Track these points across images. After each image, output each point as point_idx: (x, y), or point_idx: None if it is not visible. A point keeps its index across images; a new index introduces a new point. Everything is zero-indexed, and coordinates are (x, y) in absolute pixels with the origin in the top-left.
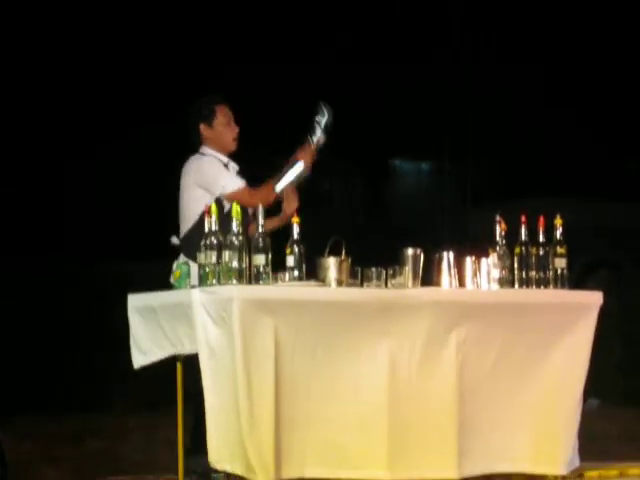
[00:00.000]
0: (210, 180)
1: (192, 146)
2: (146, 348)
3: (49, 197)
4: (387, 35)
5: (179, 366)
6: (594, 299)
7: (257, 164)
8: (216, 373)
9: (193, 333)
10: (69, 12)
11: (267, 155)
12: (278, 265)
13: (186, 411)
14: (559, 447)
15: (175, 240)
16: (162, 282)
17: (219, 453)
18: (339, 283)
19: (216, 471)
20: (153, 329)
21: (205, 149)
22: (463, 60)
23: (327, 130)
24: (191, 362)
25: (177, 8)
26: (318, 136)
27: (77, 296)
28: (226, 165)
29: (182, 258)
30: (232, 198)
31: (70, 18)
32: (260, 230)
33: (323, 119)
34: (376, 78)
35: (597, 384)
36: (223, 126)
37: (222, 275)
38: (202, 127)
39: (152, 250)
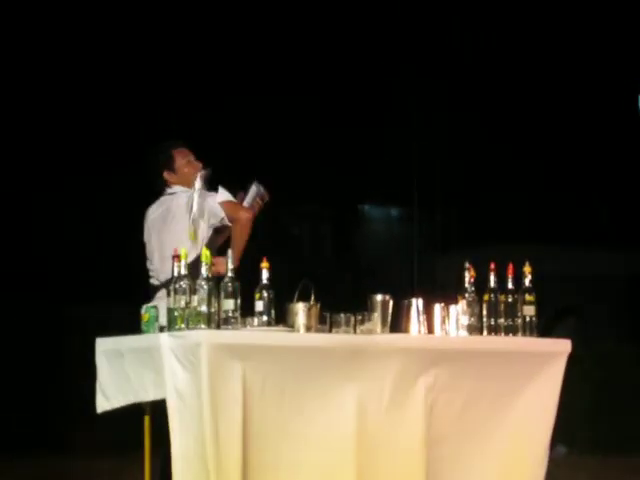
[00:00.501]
0: (207, 207)
1: (158, 193)
2: (110, 394)
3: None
4: (356, 81)
5: (147, 418)
6: (562, 347)
7: None
8: (183, 418)
9: (159, 379)
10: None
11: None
12: (247, 309)
13: (155, 455)
14: None
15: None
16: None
17: None
18: (308, 328)
19: None
20: (119, 375)
21: (175, 188)
22: (433, 108)
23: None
24: (161, 406)
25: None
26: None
27: (47, 337)
28: None
29: (154, 301)
30: (229, 207)
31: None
32: (229, 274)
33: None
34: (346, 124)
35: (565, 431)
36: (185, 167)
37: (190, 319)
38: (166, 174)
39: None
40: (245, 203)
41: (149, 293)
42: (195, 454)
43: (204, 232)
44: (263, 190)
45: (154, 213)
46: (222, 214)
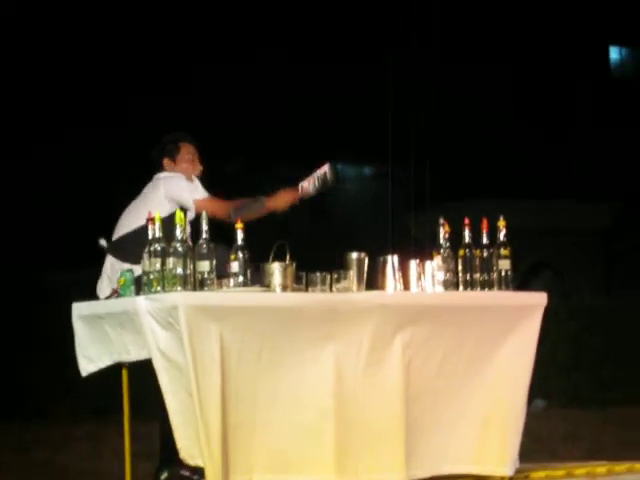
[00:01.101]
0: (180, 192)
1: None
2: (93, 355)
3: None
4: (332, 34)
5: (124, 373)
6: (538, 300)
7: None
8: (171, 375)
9: (140, 340)
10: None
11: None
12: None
13: (134, 419)
14: (504, 448)
15: (103, 242)
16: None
17: (188, 450)
18: (284, 288)
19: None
20: (99, 337)
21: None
22: (406, 60)
23: (320, 190)
24: (137, 371)
25: None
26: (310, 190)
27: (20, 303)
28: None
29: (126, 265)
30: (200, 205)
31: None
32: (204, 236)
33: (326, 180)
34: (318, 79)
35: (543, 385)
36: (186, 163)
37: (166, 282)
38: (165, 162)
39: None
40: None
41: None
42: (187, 408)
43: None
44: (330, 176)
45: (145, 190)
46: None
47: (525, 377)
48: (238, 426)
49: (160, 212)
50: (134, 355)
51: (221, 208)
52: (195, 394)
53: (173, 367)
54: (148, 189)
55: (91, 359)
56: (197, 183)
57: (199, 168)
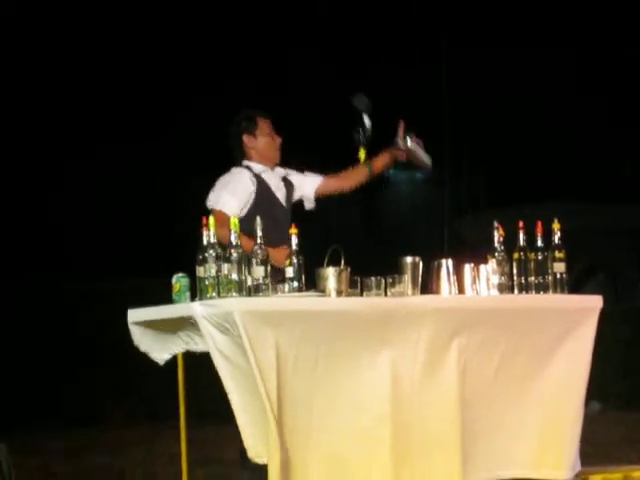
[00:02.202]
0: (210, 195)
1: (233, 160)
2: (161, 347)
3: (46, 212)
4: (386, 42)
5: (180, 377)
6: (594, 303)
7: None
8: (234, 375)
9: (200, 338)
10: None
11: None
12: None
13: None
14: (562, 452)
15: None
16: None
17: (255, 449)
18: (339, 293)
19: None
20: (161, 336)
21: (247, 162)
22: (463, 69)
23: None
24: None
25: None
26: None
27: (74, 313)
28: (258, 176)
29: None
30: (213, 214)
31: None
32: (259, 242)
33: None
34: (372, 87)
35: (598, 388)
36: (265, 136)
37: (222, 288)
38: (245, 138)
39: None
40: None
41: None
42: (255, 407)
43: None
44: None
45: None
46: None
47: (582, 380)
48: (294, 431)
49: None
50: (201, 347)
51: (221, 230)
52: (264, 395)
53: (235, 368)
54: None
55: (160, 350)
56: (274, 179)
57: (278, 140)
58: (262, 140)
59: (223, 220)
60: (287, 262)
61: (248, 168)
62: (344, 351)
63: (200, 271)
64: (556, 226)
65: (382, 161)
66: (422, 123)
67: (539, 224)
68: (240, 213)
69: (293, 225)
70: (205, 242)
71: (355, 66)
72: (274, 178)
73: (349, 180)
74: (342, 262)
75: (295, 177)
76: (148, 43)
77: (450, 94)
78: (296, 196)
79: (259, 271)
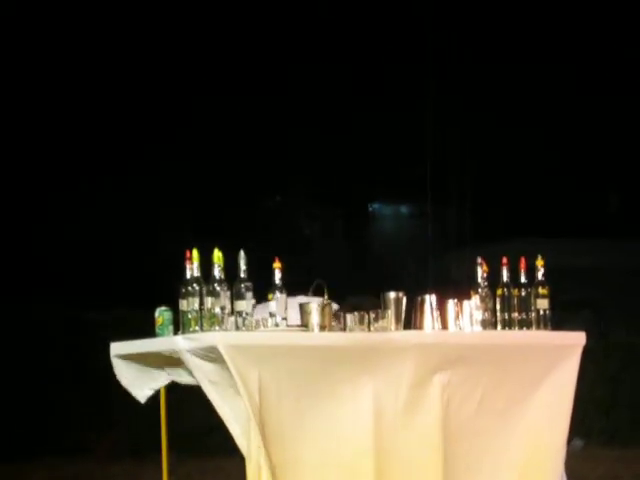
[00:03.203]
0: None
1: None
2: (142, 383)
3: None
4: (364, 77)
5: (163, 412)
6: (577, 340)
7: None
8: (230, 402)
9: (187, 370)
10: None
11: None
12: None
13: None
14: None
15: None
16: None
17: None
18: (322, 328)
19: None
20: (145, 366)
21: None
22: (444, 107)
23: None
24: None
25: None
26: None
27: (55, 344)
28: None
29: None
30: None
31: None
32: (242, 276)
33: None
34: (354, 124)
35: (581, 424)
36: None
37: (205, 322)
38: None
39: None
40: None
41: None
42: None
43: None
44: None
45: None
46: None
47: (565, 416)
48: (279, 465)
49: None
50: (185, 379)
51: None
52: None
53: (229, 395)
54: None
55: (141, 387)
56: None
57: None
58: None
59: None
60: (270, 296)
61: None
62: (327, 385)
63: (183, 304)
64: (539, 262)
65: None
66: (406, 160)
67: (522, 260)
68: None
69: (277, 259)
70: (188, 275)
71: (338, 98)
72: None
73: None
74: (325, 296)
75: None
76: (124, 79)
77: (434, 131)
78: None
79: (242, 305)
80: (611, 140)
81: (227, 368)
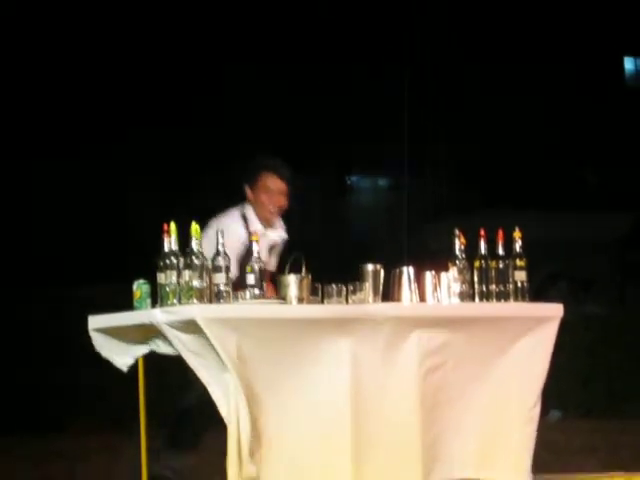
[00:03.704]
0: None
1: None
2: (122, 352)
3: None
4: (346, 38)
5: (141, 367)
6: (554, 312)
7: None
8: (208, 367)
9: (166, 340)
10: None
11: None
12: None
13: (168, 407)
14: (518, 456)
15: None
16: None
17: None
18: (300, 300)
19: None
20: (123, 341)
21: (246, 208)
22: (424, 75)
23: None
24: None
25: None
26: None
27: (36, 317)
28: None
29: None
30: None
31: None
32: (220, 249)
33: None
34: (330, 90)
35: (559, 396)
36: (264, 193)
37: (183, 295)
38: (246, 188)
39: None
40: None
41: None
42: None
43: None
44: None
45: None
46: None
47: (535, 386)
48: (259, 437)
49: None
50: (164, 349)
51: None
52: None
53: (208, 361)
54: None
55: (123, 354)
56: (260, 243)
57: (277, 202)
58: (259, 196)
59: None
60: (248, 269)
61: (244, 218)
62: (304, 357)
63: (161, 278)
64: (517, 234)
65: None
66: (383, 131)
67: (500, 232)
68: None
69: (254, 233)
70: (166, 249)
71: (319, 63)
72: (263, 241)
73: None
74: (303, 270)
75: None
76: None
77: (410, 100)
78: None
79: (220, 277)
80: (589, 115)
81: (206, 338)
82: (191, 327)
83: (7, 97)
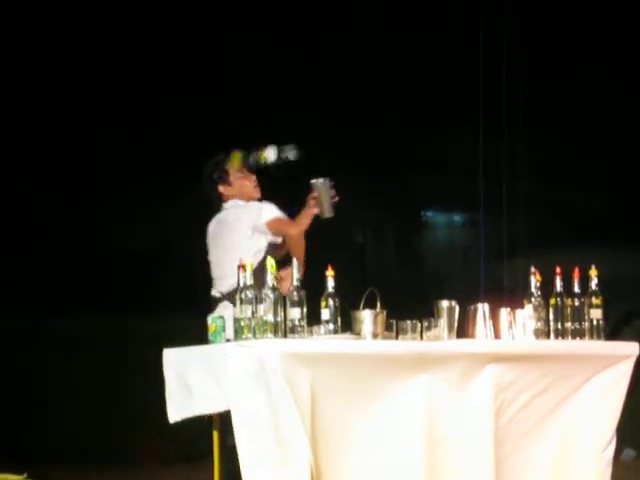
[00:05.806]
0: (257, 219)
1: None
2: (180, 403)
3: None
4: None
5: (215, 420)
6: (630, 350)
7: None
8: (251, 426)
9: (220, 391)
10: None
11: None
12: (313, 318)
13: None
14: None
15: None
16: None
17: None
18: (374, 336)
19: None
20: (185, 385)
21: (230, 202)
22: (500, 116)
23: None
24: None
25: None
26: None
27: (109, 349)
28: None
29: (217, 312)
30: (276, 224)
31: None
32: (295, 283)
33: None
34: (409, 130)
35: (634, 435)
36: (240, 179)
37: (257, 329)
38: (222, 189)
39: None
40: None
41: (210, 304)
42: (264, 461)
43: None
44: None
45: (212, 228)
46: (268, 233)
47: (610, 426)
48: (328, 470)
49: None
50: (212, 407)
51: (295, 226)
52: (287, 438)
53: (253, 419)
54: (231, 219)
55: (177, 408)
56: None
57: (252, 178)
58: (238, 184)
59: (286, 220)
60: (323, 304)
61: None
62: (379, 393)
63: (236, 312)
64: (593, 272)
65: (308, 218)
66: (459, 168)
67: (576, 270)
68: None
69: (329, 267)
70: (242, 283)
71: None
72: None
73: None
74: (378, 305)
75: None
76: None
77: (485, 136)
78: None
79: (295, 312)
80: None
81: (267, 388)
82: (258, 372)
83: None
